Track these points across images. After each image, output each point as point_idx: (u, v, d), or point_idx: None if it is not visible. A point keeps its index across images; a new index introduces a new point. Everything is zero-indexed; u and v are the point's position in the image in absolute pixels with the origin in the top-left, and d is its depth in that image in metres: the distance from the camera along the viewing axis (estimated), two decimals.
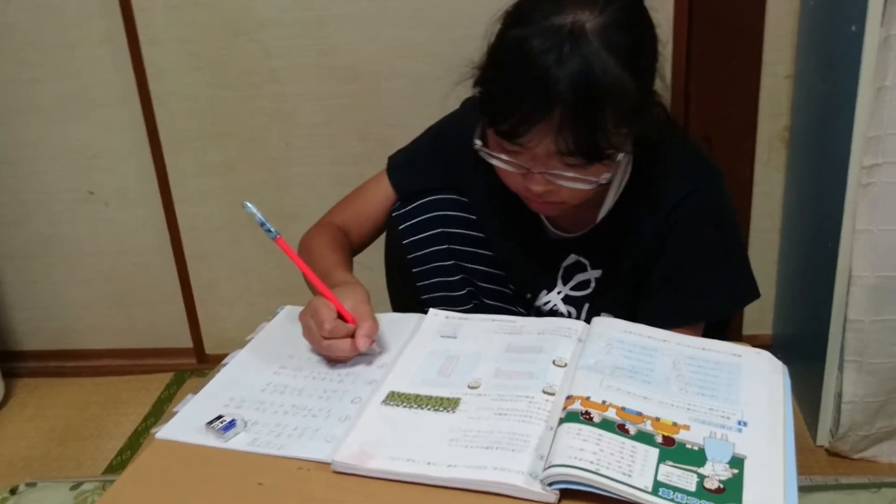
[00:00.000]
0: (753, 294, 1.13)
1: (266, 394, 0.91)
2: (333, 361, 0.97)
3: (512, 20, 0.97)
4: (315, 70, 1.76)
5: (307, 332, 0.98)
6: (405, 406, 0.86)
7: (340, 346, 0.95)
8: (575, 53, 0.90)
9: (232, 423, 0.85)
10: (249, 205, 0.93)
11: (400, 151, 1.26)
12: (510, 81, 0.94)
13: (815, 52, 1.59)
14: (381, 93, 1.78)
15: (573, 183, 0.97)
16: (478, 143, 1.01)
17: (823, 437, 1.61)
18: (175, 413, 0.89)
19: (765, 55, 1.69)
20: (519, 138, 0.95)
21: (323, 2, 1.70)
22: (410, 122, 1.26)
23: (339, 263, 1.12)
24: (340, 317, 0.96)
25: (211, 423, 0.85)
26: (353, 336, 0.95)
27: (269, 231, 0.94)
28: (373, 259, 1.30)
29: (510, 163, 0.99)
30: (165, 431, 0.86)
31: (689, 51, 1.67)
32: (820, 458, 1.60)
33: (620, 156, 0.98)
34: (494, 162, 1.01)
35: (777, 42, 1.68)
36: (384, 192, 1.24)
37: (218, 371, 0.97)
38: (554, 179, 0.98)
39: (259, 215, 0.93)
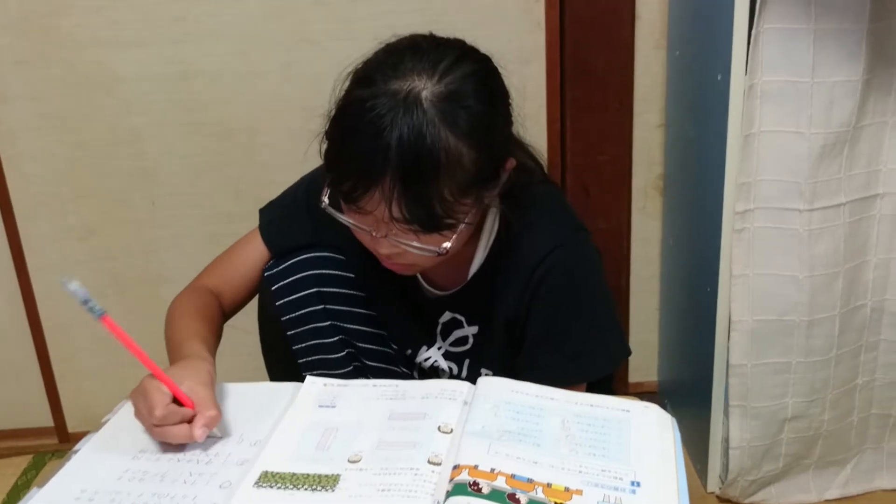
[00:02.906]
0: (623, 352, 1.13)
1: (123, 482, 0.82)
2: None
3: (356, 80, 0.96)
4: (181, 127, 1.68)
5: (138, 415, 0.89)
6: (279, 487, 0.79)
7: (175, 433, 0.86)
8: (406, 121, 0.88)
9: None
10: (70, 283, 0.83)
11: (272, 204, 1.21)
12: (347, 143, 0.92)
13: (684, 101, 1.62)
14: (255, 148, 1.71)
15: (416, 250, 0.95)
16: (325, 200, 0.98)
17: (714, 484, 1.60)
18: None
19: (636, 105, 1.71)
20: (356, 202, 0.92)
21: (187, 56, 1.63)
22: (288, 178, 1.22)
23: (196, 334, 1.04)
24: (176, 400, 0.87)
25: None
26: (190, 421, 0.86)
27: (93, 310, 0.84)
28: (248, 322, 1.23)
29: (355, 225, 0.97)
30: None
31: (562, 102, 1.69)
32: None
33: (462, 226, 0.96)
34: (341, 220, 0.98)
35: (647, 92, 1.71)
36: (258, 251, 1.19)
37: (68, 459, 0.87)
38: (398, 244, 0.95)
39: (81, 293, 0.83)
